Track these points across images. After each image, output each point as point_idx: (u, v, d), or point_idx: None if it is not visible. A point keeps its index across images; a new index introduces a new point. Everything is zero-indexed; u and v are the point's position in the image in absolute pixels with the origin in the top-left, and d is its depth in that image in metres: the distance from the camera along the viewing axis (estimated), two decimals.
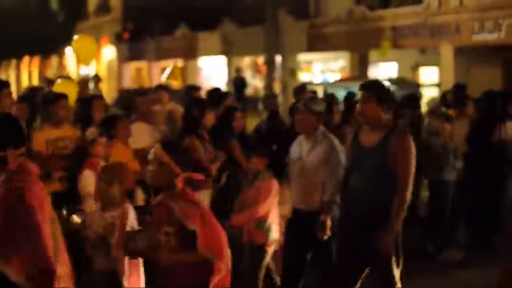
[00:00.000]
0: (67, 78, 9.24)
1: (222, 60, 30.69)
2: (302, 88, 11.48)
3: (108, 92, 28.76)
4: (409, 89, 16.86)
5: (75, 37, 9.41)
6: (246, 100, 22.98)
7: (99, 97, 8.69)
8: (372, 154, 5.70)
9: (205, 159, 7.49)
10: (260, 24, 25.47)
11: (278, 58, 25.31)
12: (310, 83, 21.62)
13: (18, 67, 46.66)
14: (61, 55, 39.40)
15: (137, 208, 6.31)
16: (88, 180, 6.66)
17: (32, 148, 7.35)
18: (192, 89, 9.45)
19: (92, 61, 9.41)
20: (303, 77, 28.15)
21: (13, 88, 8.32)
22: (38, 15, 36.37)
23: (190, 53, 31.78)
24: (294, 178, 6.69)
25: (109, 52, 37.33)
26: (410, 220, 9.54)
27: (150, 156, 4.83)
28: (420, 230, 9.56)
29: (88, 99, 8.47)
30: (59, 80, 8.52)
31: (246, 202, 6.80)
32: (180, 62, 31.63)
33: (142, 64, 35.66)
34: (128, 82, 35.60)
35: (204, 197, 6.93)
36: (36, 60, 43.86)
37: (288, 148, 6.85)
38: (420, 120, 10.04)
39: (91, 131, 7.04)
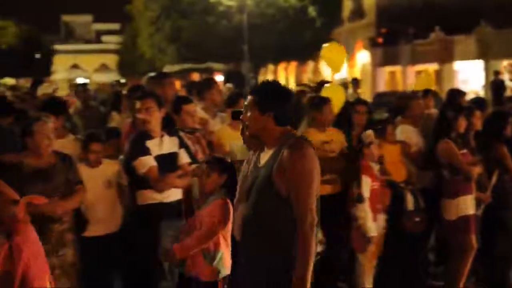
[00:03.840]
0: (327, 82, 9.44)
1: (478, 63, 29.94)
2: None
3: (362, 96, 29.03)
4: None
5: (325, 45, 9.62)
6: (505, 103, 22.24)
7: (363, 102, 8.84)
8: (259, 174, 4.33)
9: (463, 163, 7.41)
10: None
11: None
12: None
13: (275, 72, 48.49)
14: (316, 60, 40.40)
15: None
16: (365, 185, 6.94)
17: None
18: (457, 94, 9.30)
19: (341, 68, 9.56)
20: None
21: None
22: (297, 22, 37.59)
23: (446, 57, 31.32)
24: None
25: (363, 56, 37.74)
26: None
27: None
28: None
29: (351, 103, 8.67)
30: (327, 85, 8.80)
31: (195, 226, 5.56)
32: (435, 66, 31.28)
33: (396, 68, 35.64)
34: (382, 86, 35.77)
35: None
36: (293, 65, 45.33)
37: None
38: None
39: (368, 134, 7.23)
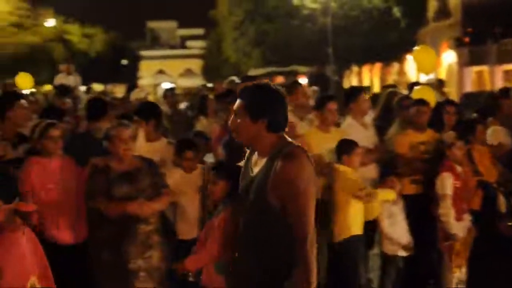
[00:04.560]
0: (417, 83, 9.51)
1: None
2: None
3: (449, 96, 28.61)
4: None
5: (416, 48, 9.63)
6: None
7: (452, 102, 8.79)
8: (252, 185, 3.99)
9: None
10: None
11: None
12: None
13: (359, 74, 48.20)
14: (401, 61, 39.99)
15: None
16: (446, 182, 6.93)
17: (395, 150, 7.76)
18: None
19: (431, 71, 9.61)
20: None
21: None
22: (381, 23, 37.28)
23: None
24: None
25: (449, 56, 37.14)
26: None
27: None
28: None
29: (441, 103, 8.64)
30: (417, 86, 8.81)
31: (206, 238, 5.30)
32: None
33: (483, 68, 34.95)
34: (469, 87, 35.13)
35: None
36: (377, 67, 44.95)
37: None
38: None
39: (450, 135, 7.25)
